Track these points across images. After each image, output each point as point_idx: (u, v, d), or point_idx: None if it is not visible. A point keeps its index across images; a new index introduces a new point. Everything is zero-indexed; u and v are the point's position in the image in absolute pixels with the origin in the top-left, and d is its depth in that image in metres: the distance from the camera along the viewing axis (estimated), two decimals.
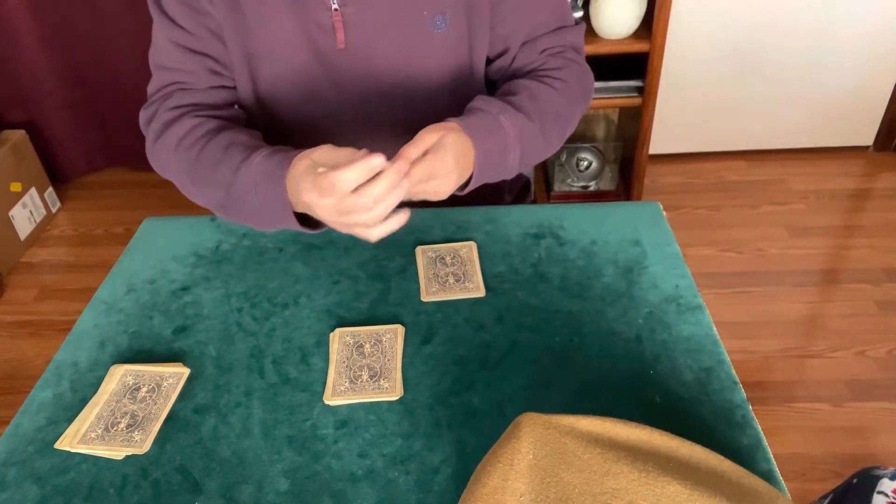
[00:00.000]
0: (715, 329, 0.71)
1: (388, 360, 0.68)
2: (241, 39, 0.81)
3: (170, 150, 0.79)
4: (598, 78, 1.85)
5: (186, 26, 0.80)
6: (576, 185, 2.15)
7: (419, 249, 0.82)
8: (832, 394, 1.55)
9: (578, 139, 2.22)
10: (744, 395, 0.64)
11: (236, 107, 0.88)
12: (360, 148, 0.63)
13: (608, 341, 0.70)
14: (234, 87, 0.86)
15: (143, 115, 0.84)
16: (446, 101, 0.86)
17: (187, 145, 0.78)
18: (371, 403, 0.65)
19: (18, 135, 2.17)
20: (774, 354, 1.65)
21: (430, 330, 0.72)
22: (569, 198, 2.15)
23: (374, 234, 0.64)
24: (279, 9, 0.78)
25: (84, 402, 0.66)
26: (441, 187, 0.69)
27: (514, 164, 0.77)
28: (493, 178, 0.77)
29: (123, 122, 2.31)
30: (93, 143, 2.41)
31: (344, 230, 0.65)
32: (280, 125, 0.88)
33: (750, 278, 1.87)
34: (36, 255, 2.16)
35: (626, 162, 2.12)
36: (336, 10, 0.78)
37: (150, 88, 0.85)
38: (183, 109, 0.81)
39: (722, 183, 2.24)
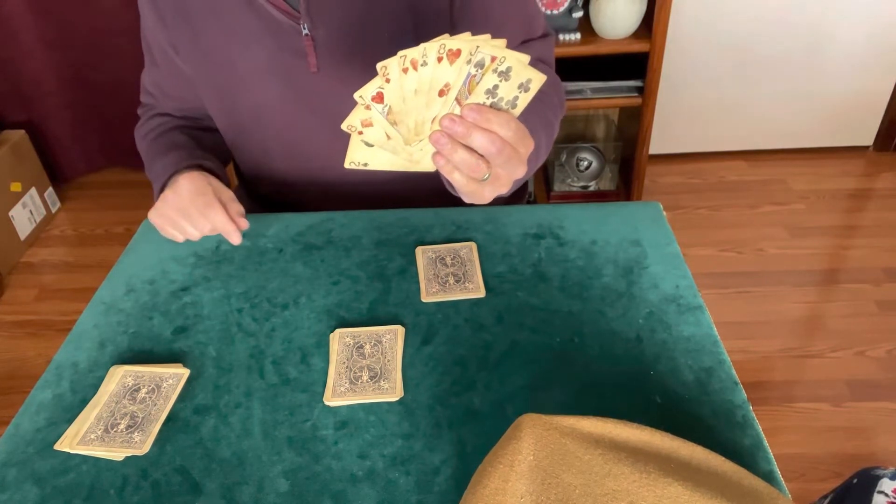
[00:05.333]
0: (715, 329, 0.71)
1: (389, 361, 0.68)
2: (209, 75, 0.85)
3: (142, 138, 0.93)
4: (598, 78, 1.88)
5: (162, 65, 0.89)
6: (576, 185, 2.15)
7: (419, 250, 0.82)
8: (832, 394, 1.55)
9: (578, 139, 2.22)
10: (744, 395, 0.64)
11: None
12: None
13: (608, 341, 0.70)
14: (207, 120, 0.95)
15: (139, 112, 0.98)
16: None
17: (150, 139, 0.91)
18: (371, 404, 0.65)
19: (18, 135, 2.17)
20: (774, 354, 1.65)
21: (430, 330, 0.72)
22: (569, 198, 2.15)
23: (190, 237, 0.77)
24: (249, 40, 0.80)
25: (84, 402, 0.66)
26: (514, 172, 0.60)
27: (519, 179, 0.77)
28: (507, 193, 0.77)
29: (123, 122, 2.31)
30: (93, 143, 2.41)
31: (163, 221, 0.78)
32: (263, 150, 0.91)
33: (750, 278, 1.87)
34: (36, 255, 2.16)
35: (626, 162, 2.12)
36: (307, 34, 0.78)
37: (142, 99, 0.97)
38: (158, 117, 0.95)
39: (722, 183, 2.24)
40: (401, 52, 0.53)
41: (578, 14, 1.80)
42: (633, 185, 2.08)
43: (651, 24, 1.77)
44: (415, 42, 0.55)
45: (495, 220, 0.87)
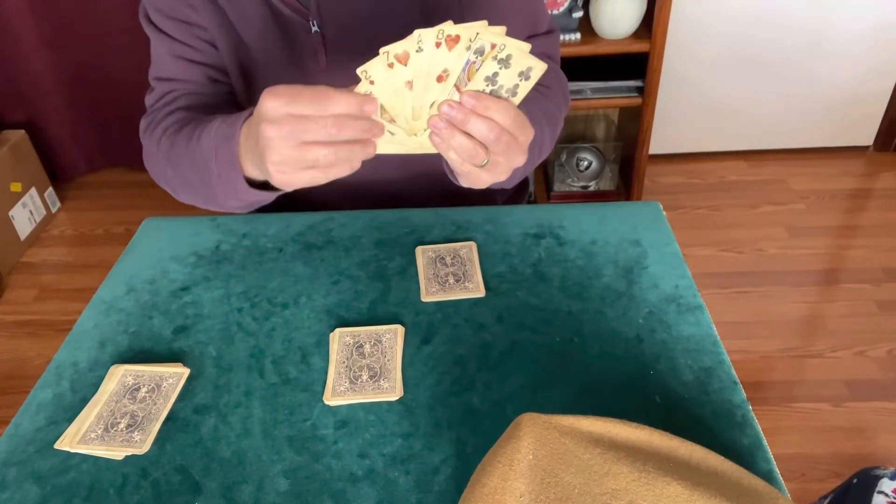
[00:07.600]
0: (715, 329, 0.71)
1: (388, 361, 0.68)
2: (235, 53, 0.82)
3: (156, 142, 0.78)
4: (598, 78, 1.88)
5: (183, 39, 0.81)
6: (576, 185, 2.15)
7: (419, 249, 0.82)
8: (832, 394, 1.55)
9: (578, 139, 2.22)
10: (744, 395, 0.64)
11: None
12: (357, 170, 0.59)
13: (608, 341, 0.70)
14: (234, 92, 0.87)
15: (143, 123, 0.84)
16: None
17: (171, 133, 0.77)
18: (371, 403, 0.65)
19: (18, 135, 2.17)
20: (774, 354, 1.65)
21: (430, 330, 0.72)
22: (569, 198, 2.15)
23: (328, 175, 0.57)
24: (266, 30, 0.80)
25: (84, 402, 0.66)
26: (512, 160, 0.59)
27: (519, 168, 0.78)
28: (509, 184, 0.77)
29: (123, 122, 2.31)
30: (93, 143, 2.41)
31: (290, 175, 0.57)
32: None
33: (750, 278, 1.87)
34: (36, 255, 2.16)
35: (626, 162, 2.12)
36: (317, 31, 0.78)
37: (150, 100, 0.85)
38: (181, 110, 0.81)
39: (722, 183, 2.25)
40: (382, 50, 0.53)
41: (578, 14, 1.80)
42: (633, 185, 2.09)
43: (651, 24, 1.77)
44: None
45: (495, 220, 0.87)
